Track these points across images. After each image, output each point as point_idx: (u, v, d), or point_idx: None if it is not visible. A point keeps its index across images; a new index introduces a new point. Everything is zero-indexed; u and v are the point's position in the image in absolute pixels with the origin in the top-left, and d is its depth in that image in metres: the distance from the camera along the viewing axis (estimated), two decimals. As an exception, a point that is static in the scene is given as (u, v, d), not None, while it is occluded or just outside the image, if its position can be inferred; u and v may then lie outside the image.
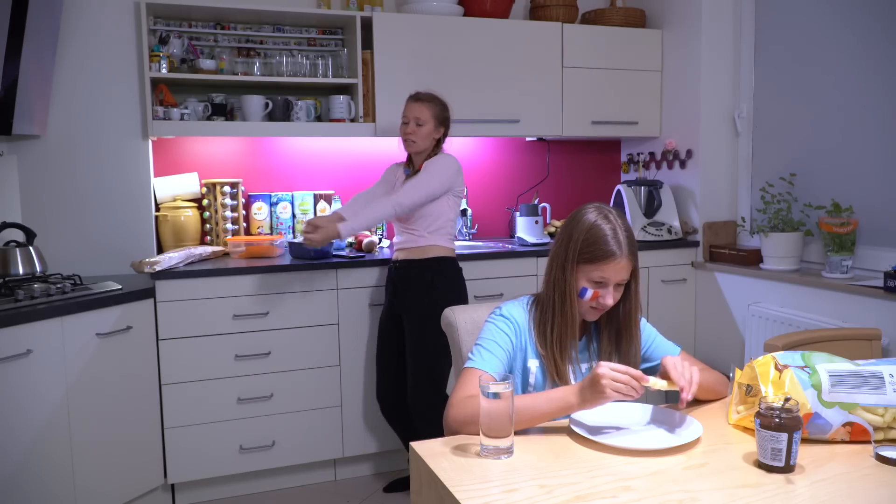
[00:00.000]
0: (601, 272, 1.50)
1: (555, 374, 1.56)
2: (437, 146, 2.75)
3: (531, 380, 1.59)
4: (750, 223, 3.43)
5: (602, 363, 1.36)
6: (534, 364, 1.58)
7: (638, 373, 1.35)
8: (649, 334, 1.69)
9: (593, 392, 1.35)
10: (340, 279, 2.92)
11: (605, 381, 1.33)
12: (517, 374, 1.59)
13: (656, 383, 1.39)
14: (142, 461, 2.66)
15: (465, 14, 3.36)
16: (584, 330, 1.65)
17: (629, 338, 1.60)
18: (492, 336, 1.56)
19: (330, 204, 3.37)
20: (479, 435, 1.31)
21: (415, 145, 2.69)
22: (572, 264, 1.53)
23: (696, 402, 1.60)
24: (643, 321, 1.70)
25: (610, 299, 1.52)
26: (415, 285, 2.68)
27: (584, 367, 1.62)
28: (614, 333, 1.62)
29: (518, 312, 1.60)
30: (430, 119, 2.67)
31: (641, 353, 1.67)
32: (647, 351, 1.68)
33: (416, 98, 2.71)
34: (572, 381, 1.58)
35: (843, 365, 1.39)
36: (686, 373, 1.41)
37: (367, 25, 3.14)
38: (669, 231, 3.49)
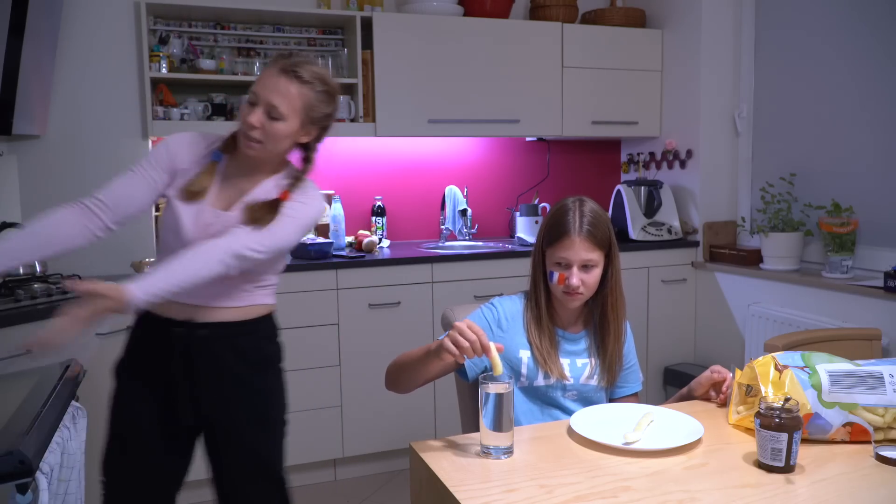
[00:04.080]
0: (560, 252, 1.56)
1: (543, 363, 1.59)
2: (307, 162, 1.69)
3: (523, 370, 1.60)
4: (750, 223, 3.43)
5: (465, 319, 1.36)
6: (525, 354, 1.61)
7: (486, 341, 1.31)
8: (629, 350, 1.71)
9: (442, 343, 1.35)
10: (340, 279, 2.92)
11: (450, 334, 1.32)
12: (504, 363, 1.59)
13: (497, 368, 1.31)
14: (142, 461, 2.66)
15: (465, 14, 3.36)
16: (586, 325, 1.67)
17: (608, 323, 1.63)
18: (471, 319, 1.60)
19: (330, 204, 3.36)
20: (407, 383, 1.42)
21: (259, 148, 1.58)
22: (539, 249, 1.62)
23: (691, 406, 1.60)
24: (630, 337, 1.71)
25: (574, 279, 1.54)
26: (243, 364, 1.70)
27: (580, 361, 1.63)
28: (598, 321, 1.65)
29: (508, 304, 1.66)
30: (296, 112, 1.58)
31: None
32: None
33: (285, 70, 1.57)
34: (566, 373, 1.61)
35: (843, 365, 1.39)
36: None
37: (367, 25, 3.14)
38: (669, 231, 3.49)
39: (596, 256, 1.56)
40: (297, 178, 1.66)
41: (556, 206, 1.61)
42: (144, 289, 1.43)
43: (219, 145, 1.67)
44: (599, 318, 1.65)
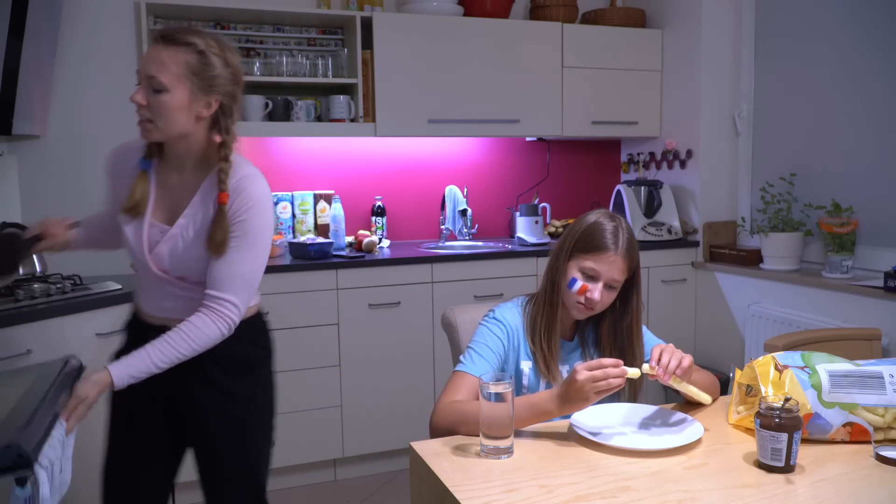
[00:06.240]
0: (593, 263, 1.51)
1: (546, 372, 1.55)
2: (222, 147, 1.51)
3: (525, 381, 1.58)
4: (750, 223, 3.43)
5: (577, 367, 1.33)
6: (526, 366, 1.58)
7: (613, 361, 1.33)
8: (648, 339, 1.68)
9: (576, 397, 1.33)
10: (340, 279, 2.92)
11: (587, 386, 1.30)
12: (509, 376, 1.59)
13: (634, 372, 1.37)
14: (142, 461, 2.66)
15: (465, 14, 3.36)
16: (575, 332, 1.64)
17: (632, 352, 1.59)
18: (483, 340, 1.56)
19: (330, 204, 3.37)
20: (467, 435, 1.33)
21: (152, 128, 1.47)
22: (567, 253, 1.56)
23: (691, 406, 1.60)
24: (643, 328, 1.69)
25: (597, 294, 1.51)
26: (218, 369, 1.60)
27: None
28: (618, 349, 1.60)
29: (511, 314, 1.60)
30: (179, 79, 1.44)
31: None
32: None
33: (156, 39, 1.46)
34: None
35: (843, 365, 1.39)
36: (674, 360, 1.41)
37: (367, 25, 3.14)
38: (669, 231, 3.49)
39: (622, 279, 1.53)
40: (221, 171, 1.50)
41: (594, 216, 1.56)
42: (126, 373, 1.43)
43: (143, 152, 1.56)
44: (622, 342, 1.60)
